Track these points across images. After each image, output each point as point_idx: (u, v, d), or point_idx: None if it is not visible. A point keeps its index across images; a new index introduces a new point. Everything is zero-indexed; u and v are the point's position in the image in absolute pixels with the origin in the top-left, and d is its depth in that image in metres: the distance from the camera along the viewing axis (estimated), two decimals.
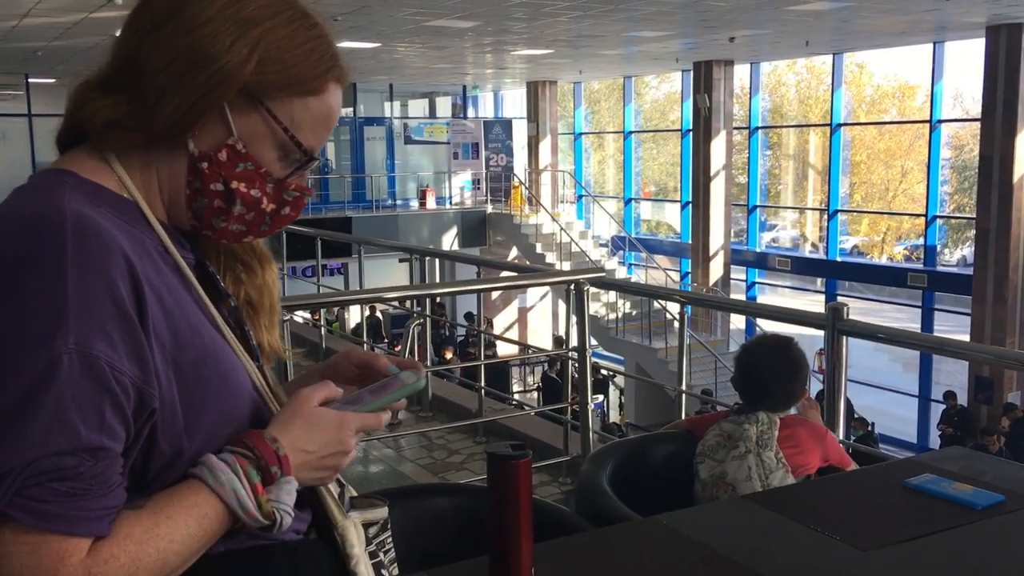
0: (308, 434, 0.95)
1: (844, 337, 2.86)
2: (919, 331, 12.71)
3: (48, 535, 0.79)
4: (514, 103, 22.12)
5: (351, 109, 20.39)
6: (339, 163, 18.83)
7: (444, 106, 22.12)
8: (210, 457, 0.90)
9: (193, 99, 0.92)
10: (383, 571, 1.09)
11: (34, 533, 0.79)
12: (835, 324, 2.86)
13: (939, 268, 14.17)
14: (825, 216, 15.78)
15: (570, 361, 4.01)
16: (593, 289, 14.69)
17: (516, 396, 13.04)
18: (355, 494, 1.12)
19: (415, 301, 5.35)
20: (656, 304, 13.15)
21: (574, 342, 3.84)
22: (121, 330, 0.83)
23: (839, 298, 15.69)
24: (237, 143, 0.95)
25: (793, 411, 2.44)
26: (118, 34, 0.97)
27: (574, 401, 3.99)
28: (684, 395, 3.58)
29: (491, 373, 10.04)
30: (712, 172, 15.34)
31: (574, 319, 3.78)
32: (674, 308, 16.38)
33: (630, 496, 2.13)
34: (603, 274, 4.00)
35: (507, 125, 19.22)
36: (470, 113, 21.32)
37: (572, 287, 3.71)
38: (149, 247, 0.92)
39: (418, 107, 21.75)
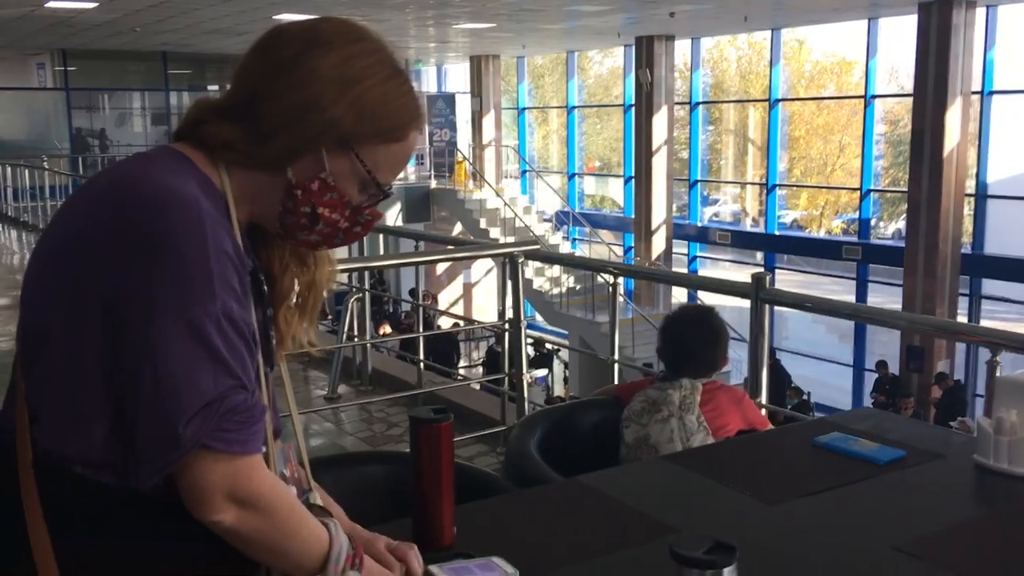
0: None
1: (767, 305, 2.96)
2: (852, 302, 13.07)
3: (235, 456, 1.04)
4: (457, 78, 22.01)
5: None
6: None
7: None
8: (339, 525, 1.17)
9: (298, 142, 1.11)
10: None
11: (226, 455, 1.03)
12: (758, 293, 2.95)
13: (873, 241, 14.52)
14: (765, 190, 16.04)
15: (506, 333, 4.08)
16: (537, 264, 14.64)
17: (461, 371, 13.10)
18: (318, 502, 1.27)
19: (355, 275, 5.36)
20: (600, 279, 13.26)
21: (511, 314, 3.90)
22: (241, 292, 1.06)
23: (778, 271, 16.01)
24: (328, 177, 1.13)
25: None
26: (240, 68, 1.15)
27: (511, 372, 4.05)
28: (617, 364, 3.67)
29: (435, 349, 10.07)
30: (654, 147, 15.48)
31: (510, 291, 3.83)
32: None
33: (558, 461, 2.19)
34: (537, 247, 4.05)
35: (450, 100, 19.12)
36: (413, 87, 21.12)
37: (507, 260, 3.76)
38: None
39: None
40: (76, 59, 18.28)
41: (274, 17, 13.08)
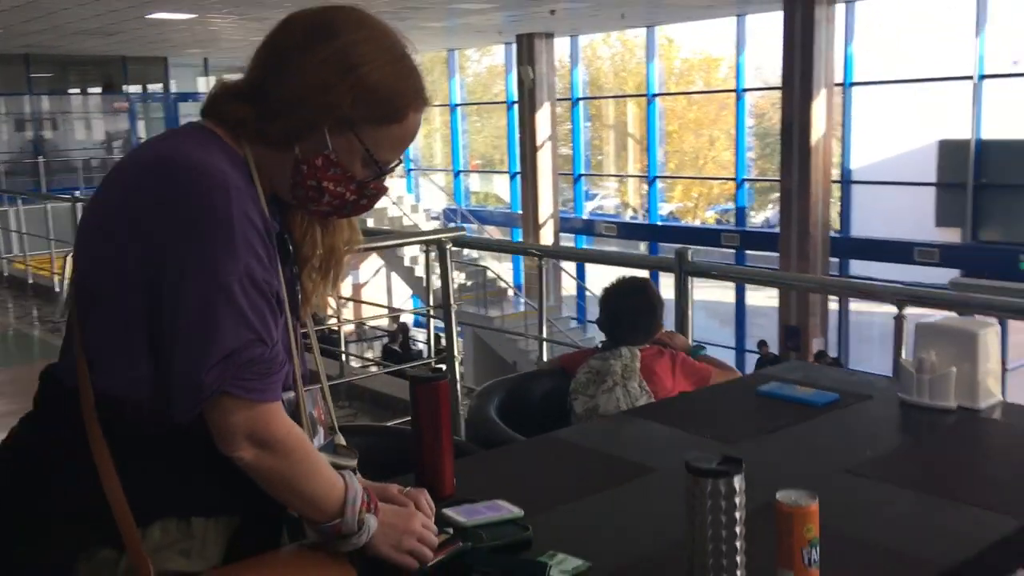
0: (396, 516, 1.30)
1: (690, 277, 3.17)
2: (734, 289, 13.75)
3: (255, 402, 1.17)
4: None
5: (162, 85, 19.52)
6: None
7: None
8: (352, 474, 1.28)
9: (301, 123, 1.22)
10: None
11: (246, 401, 1.16)
12: (682, 266, 3.16)
13: (749, 228, 15.22)
14: (644, 183, 16.56)
15: (431, 320, 4.17)
16: (431, 260, 14.57)
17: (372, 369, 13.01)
18: (343, 443, 1.40)
19: None
20: (490, 274, 13.48)
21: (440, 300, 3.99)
22: (266, 255, 1.19)
23: None
24: (331, 154, 1.23)
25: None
26: (255, 53, 1.27)
27: (440, 357, 4.16)
28: (545, 343, 3.83)
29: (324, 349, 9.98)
30: (538, 143, 15.77)
31: (437, 278, 3.93)
32: (508, 277, 16.78)
33: (516, 427, 2.32)
34: (464, 233, 4.18)
35: None
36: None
37: (432, 247, 3.87)
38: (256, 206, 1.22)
39: None
40: None
41: (147, 16, 12.71)
